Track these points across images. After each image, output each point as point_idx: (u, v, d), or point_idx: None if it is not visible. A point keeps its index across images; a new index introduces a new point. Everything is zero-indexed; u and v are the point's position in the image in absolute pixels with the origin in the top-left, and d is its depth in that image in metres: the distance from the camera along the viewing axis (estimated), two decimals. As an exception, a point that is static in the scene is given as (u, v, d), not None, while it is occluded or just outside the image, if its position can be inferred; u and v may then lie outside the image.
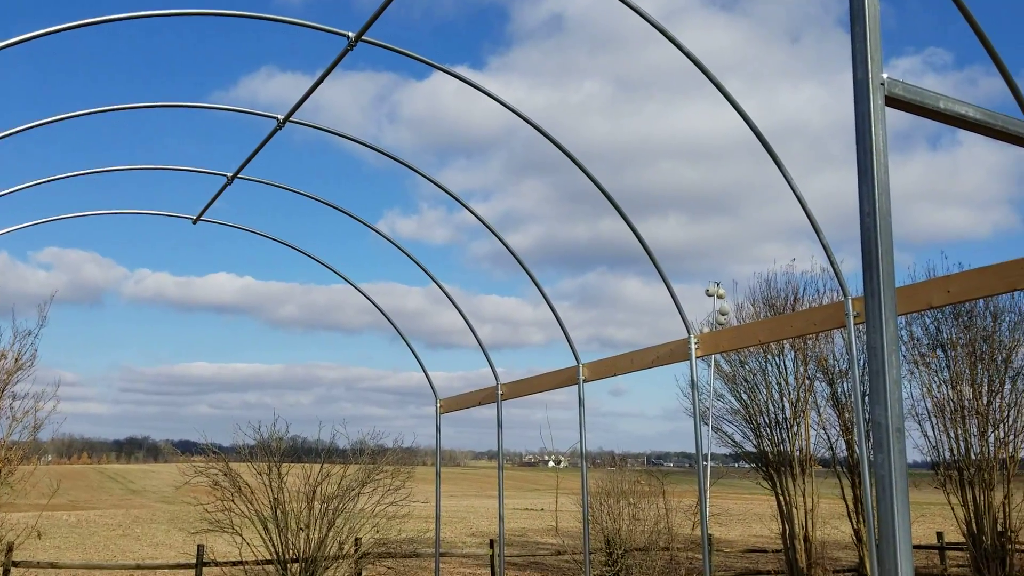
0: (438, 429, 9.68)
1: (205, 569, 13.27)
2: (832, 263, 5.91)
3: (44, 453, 12.84)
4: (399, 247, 8.73)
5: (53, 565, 13.66)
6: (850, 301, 5.54)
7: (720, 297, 19.42)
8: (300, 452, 15.10)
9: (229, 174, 7.51)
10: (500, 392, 8.72)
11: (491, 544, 15.88)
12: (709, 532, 16.84)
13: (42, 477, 13.88)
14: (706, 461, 19.01)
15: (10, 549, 12.30)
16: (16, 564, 12.40)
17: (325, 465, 14.30)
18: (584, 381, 7.65)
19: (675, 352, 6.87)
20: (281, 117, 6.68)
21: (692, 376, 6.67)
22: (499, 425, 8.68)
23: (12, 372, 12.70)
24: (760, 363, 17.43)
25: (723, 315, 18.93)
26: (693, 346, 6.63)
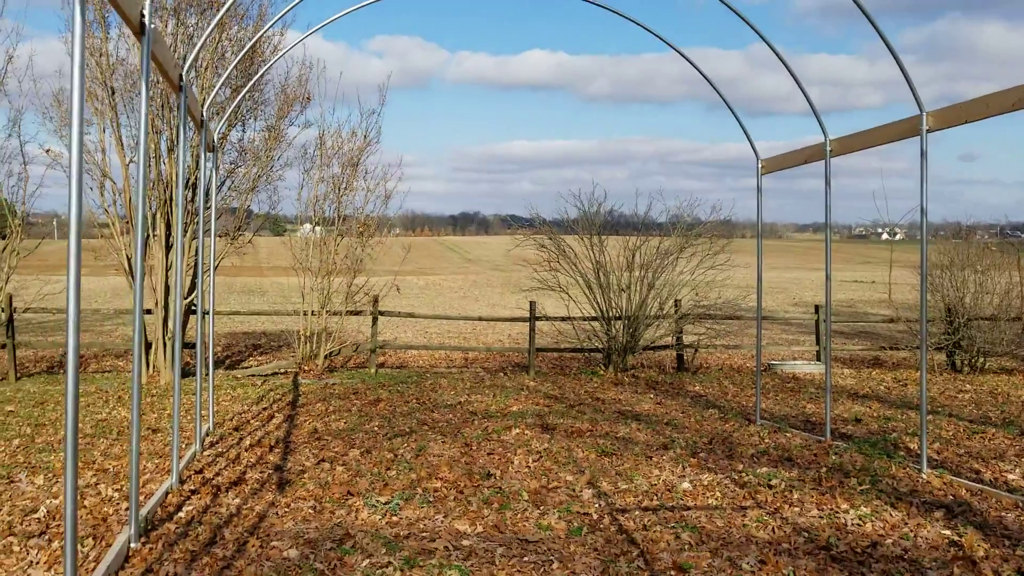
0: (759, 190, 9.26)
1: (537, 323, 14.44)
2: None
3: (392, 226, 14.68)
4: (729, 5, 8.03)
5: (411, 315, 15.72)
6: None
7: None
8: (617, 225, 15.43)
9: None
10: (829, 148, 8.05)
11: (816, 309, 15.47)
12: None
13: (392, 246, 15.70)
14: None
15: (376, 300, 14.27)
16: (382, 313, 14.40)
17: (642, 236, 14.57)
18: (928, 131, 6.76)
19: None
20: None
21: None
22: (827, 183, 8.08)
23: (363, 148, 14.13)
24: None
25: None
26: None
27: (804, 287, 38.24)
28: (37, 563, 4.68)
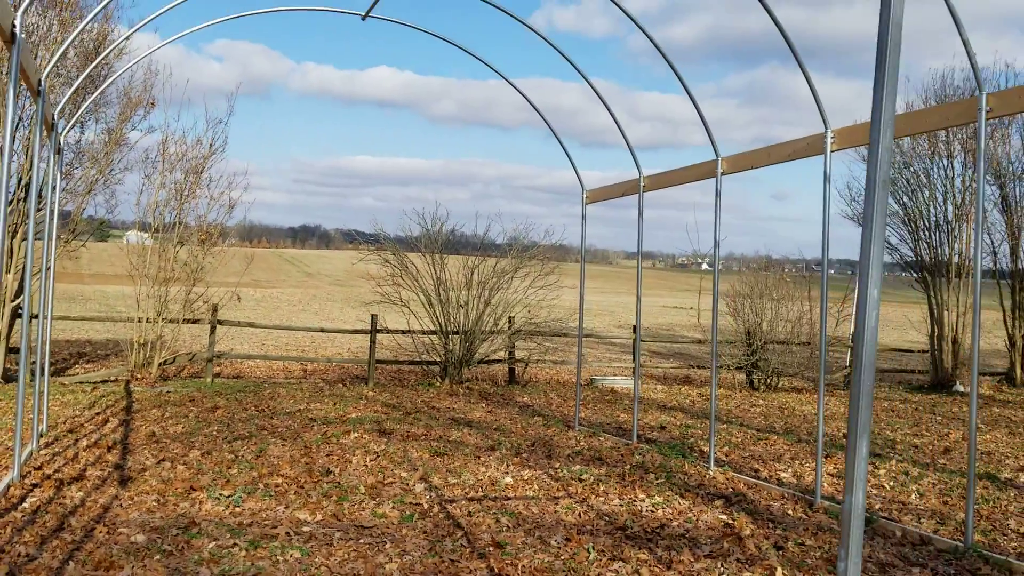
0: (584, 218, 10.24)
1: (377, 336, 14.92)
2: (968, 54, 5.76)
3: (228, 236, 14.54)
4: (552, 44, 8.95)
5: (251, 325, 15.82)
6: (984, 96, 5.45)
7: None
8: (458, 244, 16.19)
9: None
10: (642, 184, 9.10)
11: (634, 329, 16.80)
12: (853, 329, 16.98)
13: (232, 256, 15.76)
14: (836, 261, 18.74)
15: (215, 309, 14.30)
16: (220, 322, 14.44)
17: (481, 256, 15.40)
18: (722, 174, 7.90)
19: (811, 146, 6.96)
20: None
21: (825, 170, 6.79)
22: (640, 214, 9.13)
23: (208, 156, 14.19)
24: (924, 165, 16.73)
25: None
26: (829, 140, 6.71)
27: (630, 311, 40.51)
28: None
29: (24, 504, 5.77)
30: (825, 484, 7.59)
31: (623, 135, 9.09)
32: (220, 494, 6.32)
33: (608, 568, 5.09)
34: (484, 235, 16.01)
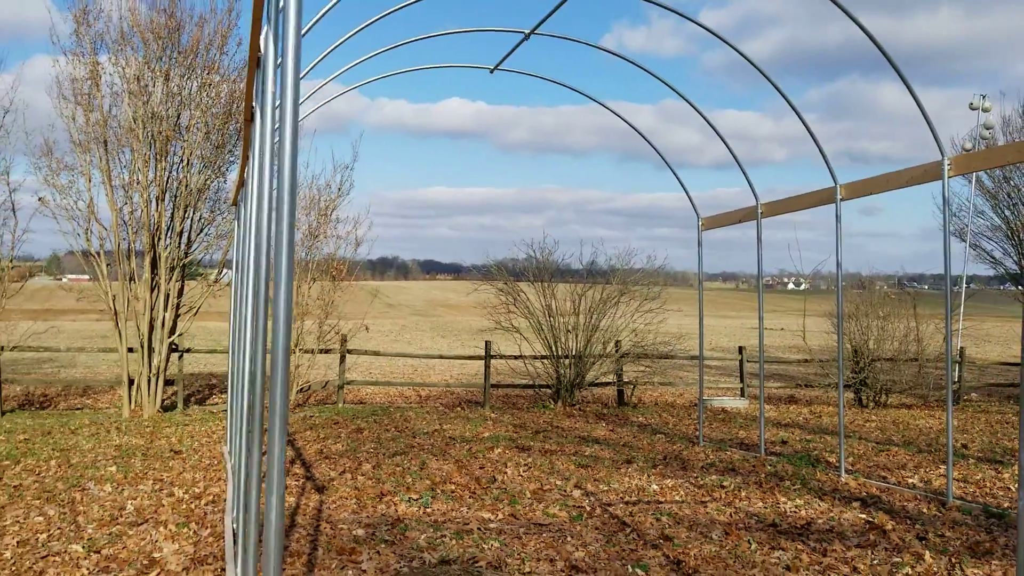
0: (700, 244, 10.91)
1: (492, 361, 15.77)
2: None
3: (355, 271, 15.60)
4: (666, 83, 9.72)
5: (377, 353, 16.88)
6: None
7: (986, 111, 18.39)
8: (564, 272, 16.98)
9: (526, 31, 8.80)
10: (760, 211, 9.74)
11: (740, 350, 17.27)
12: (962, 346, 17.13)
13: (353, 291, 16.88)
14: (958, 276, 18.84)
15: (344, 340, 15.39)
16: (350, 352, 15.52)
17: (587, 283, 16.16)
18: (841, 200, 8.50)
19: (928, 172, 7.51)
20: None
21: (944, 195, 7.34)
22: (759, 240, 9.76)
23: (335, 200, 15.36)
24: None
25: (988, 129, 18.04)
26: (946, 167, 7.27)
27: (717, 333, 40.61)
28: (156, 540, 5.75)
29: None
30: (954, 488, 8.03)
31: (740, 166, 9.75)
32: (409, 498, 7.18)
33: (770, 556, 5.72)
34: (590, 263, 16.75)
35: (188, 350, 14.78)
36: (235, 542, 4.90)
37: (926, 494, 7.73)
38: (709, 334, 41.69)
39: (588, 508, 7.09)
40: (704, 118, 9.72)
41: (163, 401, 13.91)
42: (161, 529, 6.07)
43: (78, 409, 14.48)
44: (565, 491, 7.72)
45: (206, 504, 6.90)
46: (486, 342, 15.84)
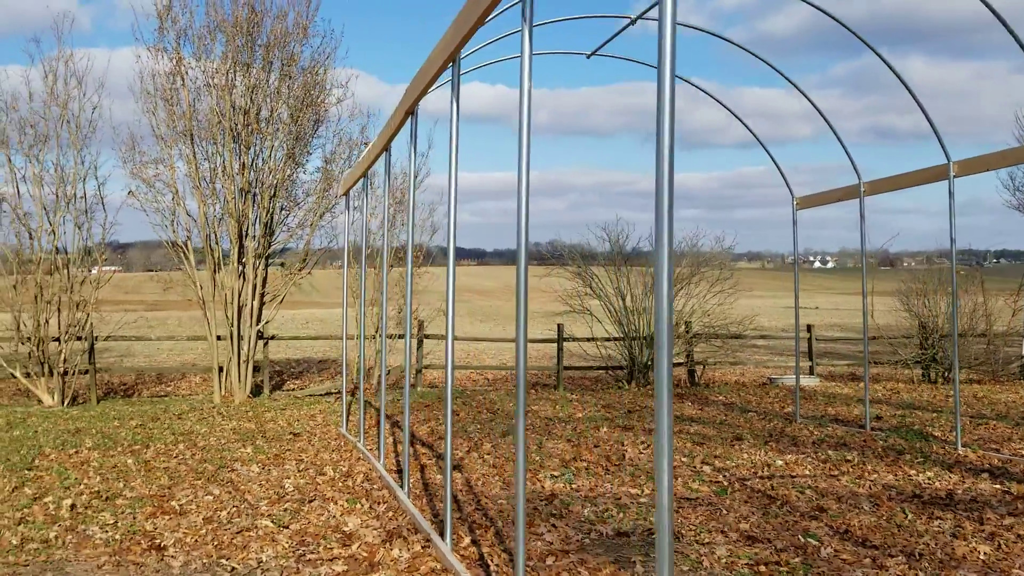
0: (795, 223, 11.00)
1: (564, 344, 15.96)
2: None
3: (433, 257, 16.06)
4: (776, 69, 9.79)
5: (456, 338, 17.09)
6: None
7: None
8: (633, 255, 17.10)
9: (633, 15, 8.93)
10: (862, 189, 9.83)
11: (808, 328, 17.35)
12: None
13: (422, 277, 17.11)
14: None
15: (421, 325, 15.63)
16: (427, 337, 15.77)
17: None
18: (954, 176, 8.57)
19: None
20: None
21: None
22: (862, 218, 9.85)
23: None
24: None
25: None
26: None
27: (771, 314, 40.59)
28: (335, 515, 6.00)
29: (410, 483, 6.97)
30: (1074, 459, 8.13)
31: (841, 143, 9.83)
32: (551, 475, 7.39)
33: (930, 524, 5.88)
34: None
35: (273, 337, 15.09)
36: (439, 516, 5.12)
37: (1050, 465, 7.84)
38: (765, 314, 41.75)
39: (725, 483, 7.26)
40: (812, 103, 9.80)
41: (255, 386, 14.24)
42: (332, 505, 6.32)
43: (162, 396, 14.82)
44: (694, 467, 7.90)
45: (361, 483, 7.15)
46: (558, 325, 16.02)
